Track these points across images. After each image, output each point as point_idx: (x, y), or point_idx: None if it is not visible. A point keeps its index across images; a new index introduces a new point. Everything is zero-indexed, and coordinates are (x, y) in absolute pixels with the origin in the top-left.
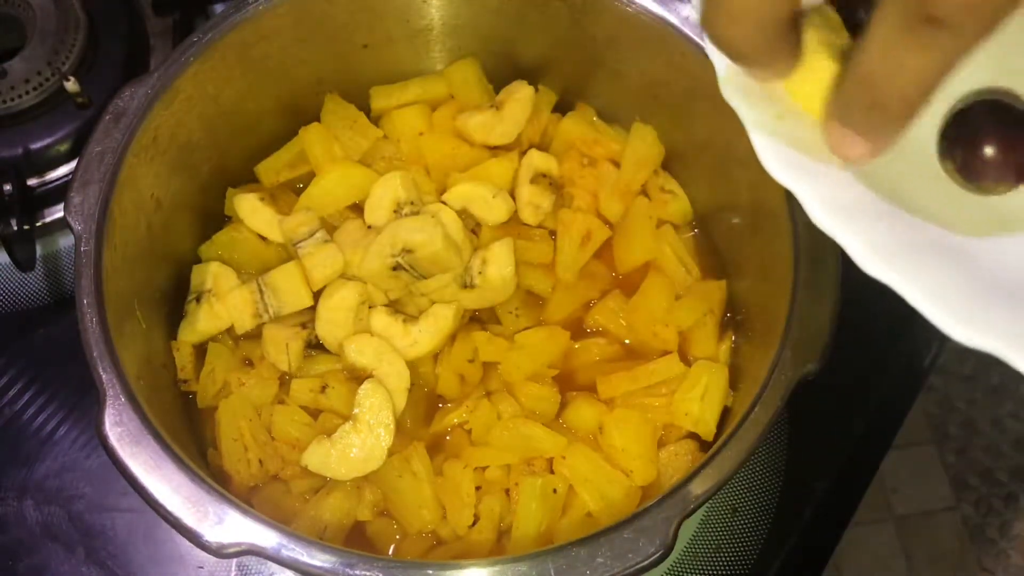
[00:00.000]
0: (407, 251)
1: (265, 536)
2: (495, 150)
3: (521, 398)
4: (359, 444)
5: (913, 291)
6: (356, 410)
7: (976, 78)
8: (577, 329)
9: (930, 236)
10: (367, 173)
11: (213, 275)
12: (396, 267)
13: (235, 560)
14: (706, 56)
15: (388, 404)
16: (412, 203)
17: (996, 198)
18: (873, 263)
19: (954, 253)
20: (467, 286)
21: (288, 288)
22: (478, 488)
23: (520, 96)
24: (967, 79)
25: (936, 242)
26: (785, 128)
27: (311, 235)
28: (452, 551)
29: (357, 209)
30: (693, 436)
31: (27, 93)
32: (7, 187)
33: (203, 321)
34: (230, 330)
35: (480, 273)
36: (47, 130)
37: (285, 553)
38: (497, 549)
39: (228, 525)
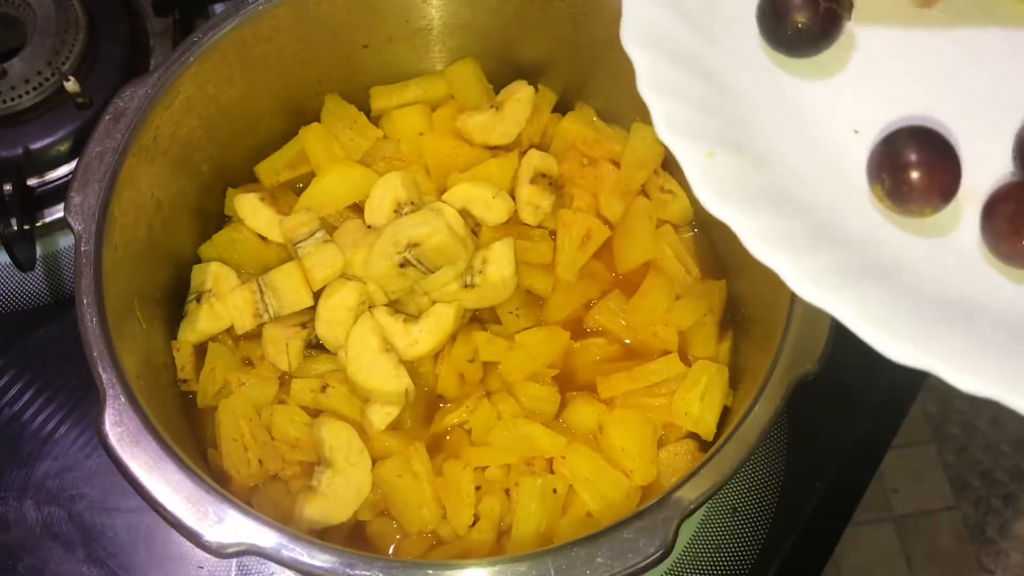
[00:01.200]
0: (413, 246)
1: (265, 536)
2: (495, 150)
3: (521, 398)
4: (346, 482)
5: (846, 313)
6: (329, 454)
7: (901, 106)
8: (577, 329)
9: (863, 258)
10: (367, 173)
11: (213, 275)
12: (404, 264)
13: (235, 560)
14: None
15: (354, 435)
16: (412, 203)
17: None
18: (805, 288)
19: (888, 273)
20: (467, 286)
21: (288, 288)
22: (478, 488)
23: (520, 96)
24: (893, 107)
25: (869, 264)
26: (717, 165)
27: (311, 235)
28: (452, 551)
29: (357, 209)
30: (693, 436)
31: (27, 93)
32: (7, 187)
33: (203, 321)
34: (230, 330)
35: (480, 273)
36: (47, 130)
37: (285, 553)
38: (497, 549)
39: (228, 525)
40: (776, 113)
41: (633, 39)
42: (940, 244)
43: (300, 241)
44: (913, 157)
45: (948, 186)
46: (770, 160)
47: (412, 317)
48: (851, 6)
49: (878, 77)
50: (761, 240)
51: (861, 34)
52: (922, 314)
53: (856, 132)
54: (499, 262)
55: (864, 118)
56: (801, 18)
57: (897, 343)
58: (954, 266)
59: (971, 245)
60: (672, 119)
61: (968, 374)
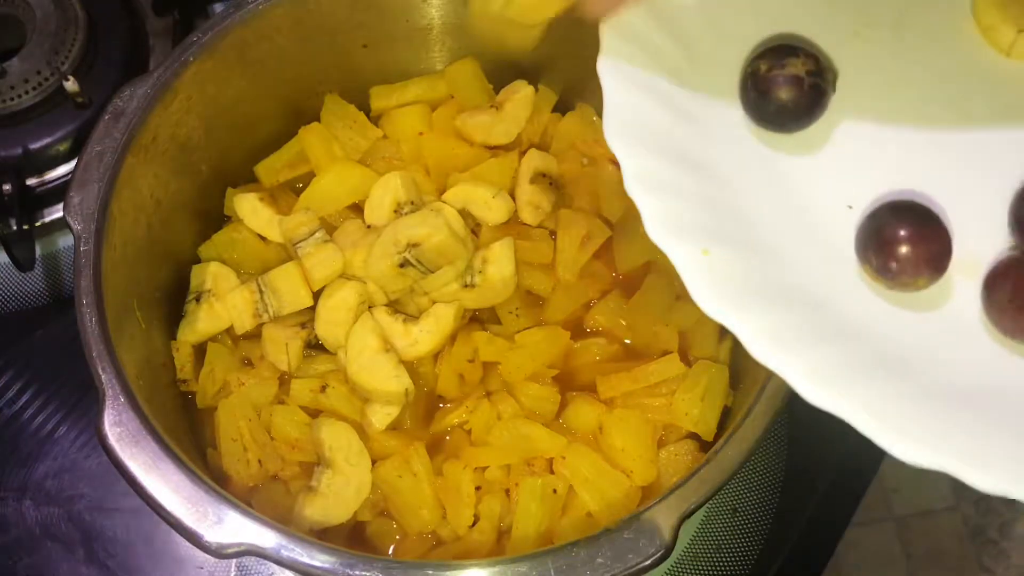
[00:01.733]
0: (413, 245)
1: (265, 536)
2: (495, 150)
3: (521, 398)
4: (346, 483)
5: (855, 415)
6: (328, 455)
7: (893, 177)
8: (577, 329)
9: (866, 349)
10: (367, 173)
11: (213, 275)
12: (404, 264)
13: (235, 560)
14: None
15: (354, 435)
16: (412, 203)
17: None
18: (813, 392)
19: (892, 363)
20: (467, 285)
21: (288, 288)
22: (478, 488)
23: (520, 95)
24: (885, 178)
25: (872, 355)
26: (712, 263)
27: (311, 235)
28: (452, 551)
29: (357, 209)
30: (693, 436)
31: (27, 93)
32: (7, 187)
33: (203, 321)
34: (230, 330)
35: (480, 272)
36: (47, 130)
37: (285, 553)
38: (497, 549)
39: (228, 525)
40: (766, 194)
41: (616, 134)
42: (941, 320)
43: (299, 241)
44: (895, 232)
45: (936, 255)
46: (765, 248)
47: (412, 317)
48: (835, 78)
49: (866, 148)
50: (761, 342)
51: (846, 105)
52: (932, 406)
53: (850, 207)
54: (499, 262)
55: (857, 192)
56: (785, 95)
57: (910, 445)
58: (958, 345)
59: (973, 320)
60: (663, 217)
61: (987, 472)
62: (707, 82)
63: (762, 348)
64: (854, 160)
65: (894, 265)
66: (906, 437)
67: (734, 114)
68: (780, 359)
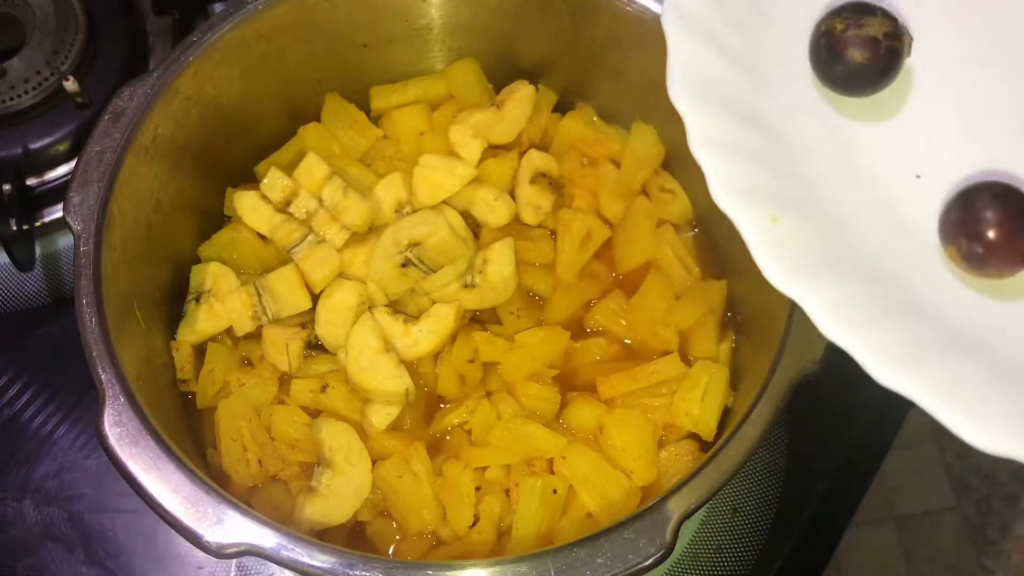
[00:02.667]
0: (414, 245)
1: (265, 536)
2: (495, 150)
3: (521, 398)
4: (346, 483)
5: (929, 399)
6: (328, 455)
7: (964, 147)
8: (577, 329)
9: (940, 329)
10: (367, 173)
11: (212, 275)
12: (405, 263)
13: (235, 560)
14: None
15: (354, 435)
16: (413, 203)
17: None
18: (882, 371)
19: (967, 345)
20: (468, 286)
21: (286, 292)
22: (478, 488)
23: (521, 95)
24: (956, 148)
25: (947, 336)
26: (780, 230)
27: (303, 239)
28: (452, 551)
29: None
30: (693, 436)
31: (27, 93)
32: (7, 187)
33: (202, 321)
34: (229, 330)
35: (480, 272)
36: (47, 130)
37: (285, 553)
38: (497, 549)
39: (227, 525)
40: (834, 161)
41: (681, 91)
42: (1020, 308)
43: (293, 247)
44: (993, 220)
45: None
46: (832, 217)
47: (412, 317)
48: (911, 42)
49: (938, 116)
50: (829, 317)
51: (919, 69)
52: (1006, 390)
53: (918, 177)
54: (499, 262)
55: (926, 161)
56: (860, 56)
57: (984, 431)
58: None
59: None
60: (730, 181)
61: None
62: (776, 37)
63: (831, 324)
64: (924, 128)
65: (985, 255)
66: (977, 421)
67: (803, 73)
68: (848, 336)
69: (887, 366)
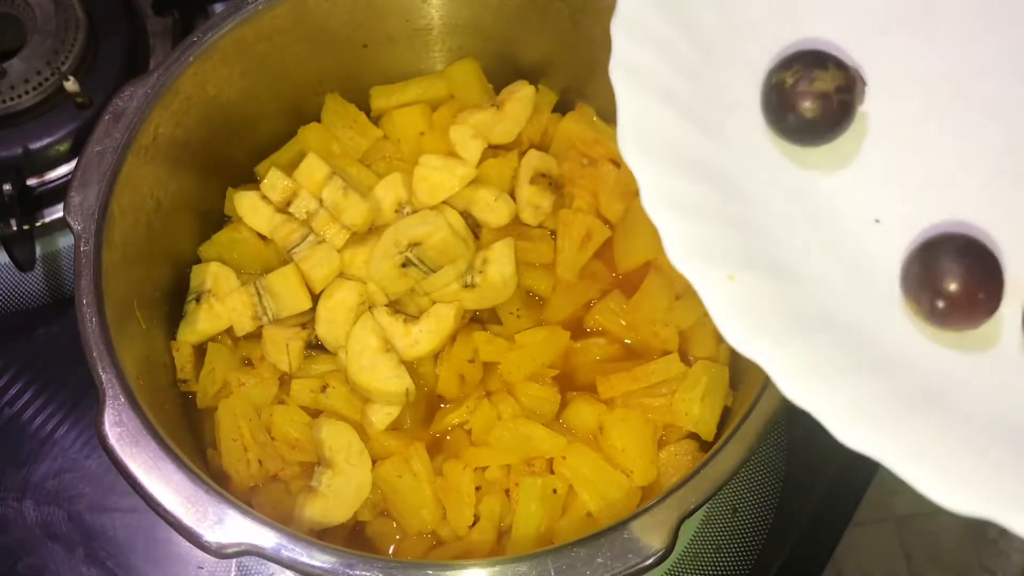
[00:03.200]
0: (414, 245)
1: (265, 536)
2: (495, 150)
3: (521, 398)
4: (346, 483)
5: (897, 460)
6: (329, 455)
7: (934, 204)
8: (577, 329)
9: (904, 385)
10: (367, 173)
11: (213, 275)
12: (405, 263)
13: (235, 560)
14: None
15: (354, 435)
16: (413, 203)
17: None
18: (846, 432)
19: (932, 403)
20: (468, 286)
21: (286, 292)
22: (478, 488)
23: (521, 95)
24: (925, 206)
25: (912, 391)
26: (739, 290)
27: (303, 239)
28: (452, 551)
29: None
30: (693, 436)
31: (27, 93)
32: (7, 187)
33: (203, 321)
34: (230, 330)
35: (481, 273)
36: (47, 130)
37: (285, 553)
38: (497, 549)
39: (228, 525)
40: (790, 210)
41: (633, 148)
42: (983, 358)
43: (293, 247)
44: (954, 275)
45: (992, 305)
46: (791, 270)
47: (412, 317)
48: (864, 89)
49: (895, 161)
50: (790, 377)
51: (874, 114)
52: (975, 448)
53: (877, 221)
54: (499, 262)
55: (885, 206)
56: (811, 112)
57: (954, 493)
58: (1000, 383)
59: (1015, 351)
60: (686, 241)
61: None
62: (727, 87)
63: (792, 384)
64: (880, 170)
65: (947, 311)
66: (948, 483)
67: (756, 122)
68: (810, 397)
69: (851, 429)
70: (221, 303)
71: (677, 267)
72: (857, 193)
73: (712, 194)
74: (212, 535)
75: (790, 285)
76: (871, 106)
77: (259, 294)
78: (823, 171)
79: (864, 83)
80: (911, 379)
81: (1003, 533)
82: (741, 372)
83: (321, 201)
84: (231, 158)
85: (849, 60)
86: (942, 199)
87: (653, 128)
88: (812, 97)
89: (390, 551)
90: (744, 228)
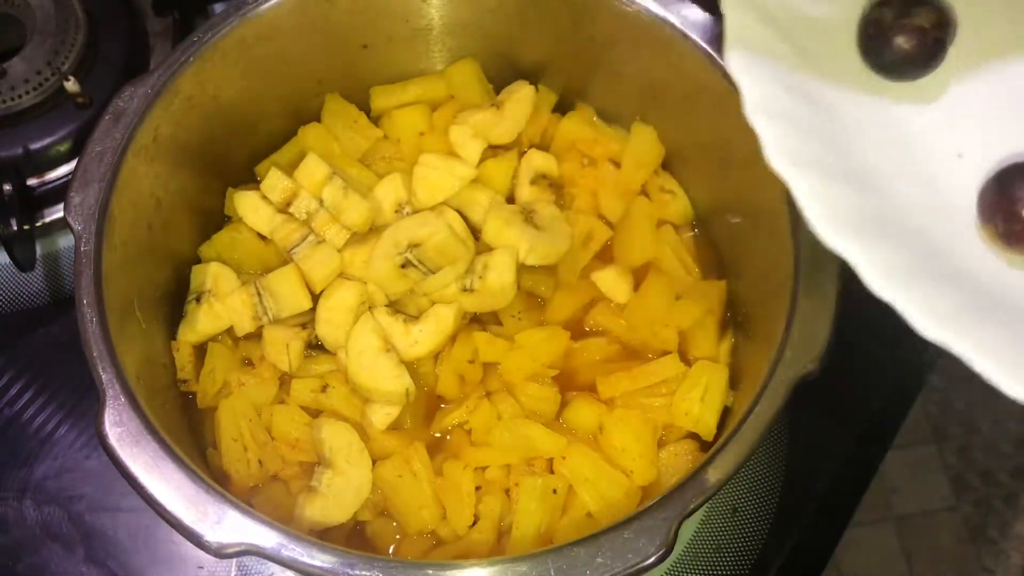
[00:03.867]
0: (414, 246)
1: (265, 536)
2: (495, 150)
3: (521, 398)
4: (346, 483)
5: (971, 352)
6: (329, 455)
7: (1004, 126)
8: (577, 329)
9: (982, 294)
10: (367, 173)
11: (213, 275)
12: (405, 264)
13: (235, 560)
14: (706, 56)
15: (354, 435)
16: (413, 203)
17: None
18: (929, 326)
19: (1006, 313)
20: (467, 290)
21: (286, 292)
22: (478, 488)
23: (521, 95)
24: (1005, 141)
25: (990, 300)
26: (830, 195)
27: (303, 239)
28: (452, 551)
29: None
30: (693, 436)
31: (27, 93)
32: (7, 187)
33: (203, 321)
34: (230, 330)
35: (480, 278)
36: (47, 130)
37: (285, 553)
38: (497, 549)
39: (228, 525)
40: (881, 139)
41: (740, 64)
42: None
43: (293, 247)
44: None
45: None
46: (879, 191)
47: (412, 317)
48: (955, 30)
49: (979, 98)
50: (881, 274)
51: (961, 54)
52: None
53: (960, 156)
54: (500, 268)
55: (969, 141)
56: (907, 46)
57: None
58: None
59: None
60: (784, 146)
61: None
62: (825, 19)
63: (880, 282)
64: (966, 109)
65: (1021, 234)
66: (1018, 375)
67: (851, 55)
68: (899, 292)
69: (932, 321)
70: (221, 303)
71: (776, 170)
72: (943, 128)
73: (808, 110)
74: (212, 535)
75: (875, 201)
76: (961, 48)
77: (259, 294)
78: (913, 104)
79: (956, 25)
80: (986, 291)
81: (1003, 533)
82: (741, 372)
83: (321, 201)
84: (231, 158)
85: (945, 5)
86: (1019, 132)
87: (756, 43)
88: (909, 31)
89: (390, 551)
90: (835, 145)
